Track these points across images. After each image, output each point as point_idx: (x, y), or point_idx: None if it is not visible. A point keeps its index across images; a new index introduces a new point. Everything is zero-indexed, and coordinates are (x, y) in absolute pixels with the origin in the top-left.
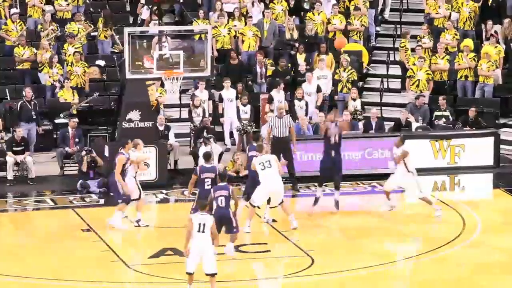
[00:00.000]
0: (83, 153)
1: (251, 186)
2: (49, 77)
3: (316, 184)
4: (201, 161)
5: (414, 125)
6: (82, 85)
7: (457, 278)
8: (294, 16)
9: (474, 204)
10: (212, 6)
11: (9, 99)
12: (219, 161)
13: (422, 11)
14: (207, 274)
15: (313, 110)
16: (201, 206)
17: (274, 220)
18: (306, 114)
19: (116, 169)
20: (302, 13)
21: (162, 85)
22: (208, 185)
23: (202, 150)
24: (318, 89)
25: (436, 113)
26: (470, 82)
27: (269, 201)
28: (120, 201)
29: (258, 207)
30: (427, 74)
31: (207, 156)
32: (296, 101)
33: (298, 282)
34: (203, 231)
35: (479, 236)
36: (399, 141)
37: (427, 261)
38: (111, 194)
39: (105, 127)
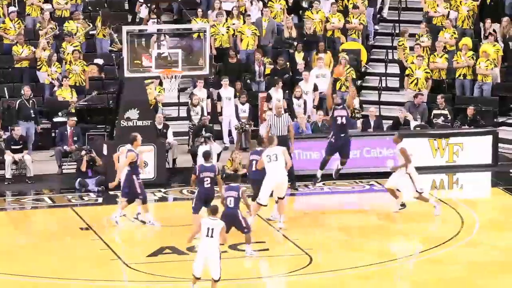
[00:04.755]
0: (83, 152)
1: (256, 188)
2: (48, 75)
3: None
4: (200, 160)
5: (413, 123)
6: (81, 84)
7: (454, 277)
8: (292, 15)
9: (473, 203)
10: (210, 5)
11: (7, 97)
12: (217, 160)
13: (420, 9)
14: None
15: (311, 108)
16: (213, 211)
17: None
18: (305, 113)
19: (124, 163)
20: (300, 11)
21: (161, 83)
22: (207, 184)
23: (202, 149)
24: (315, 88)
25: (435, 111)
26: (468, 80)
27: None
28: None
29: (265, 206)
30: (426, 72)
31: (207, 155)
32: (294, 100)
33: (296, 281)
34: (211, 236)
35: (477, 235)
36: (397, 138)
37: (424, 260)
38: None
39: (104, 126)
